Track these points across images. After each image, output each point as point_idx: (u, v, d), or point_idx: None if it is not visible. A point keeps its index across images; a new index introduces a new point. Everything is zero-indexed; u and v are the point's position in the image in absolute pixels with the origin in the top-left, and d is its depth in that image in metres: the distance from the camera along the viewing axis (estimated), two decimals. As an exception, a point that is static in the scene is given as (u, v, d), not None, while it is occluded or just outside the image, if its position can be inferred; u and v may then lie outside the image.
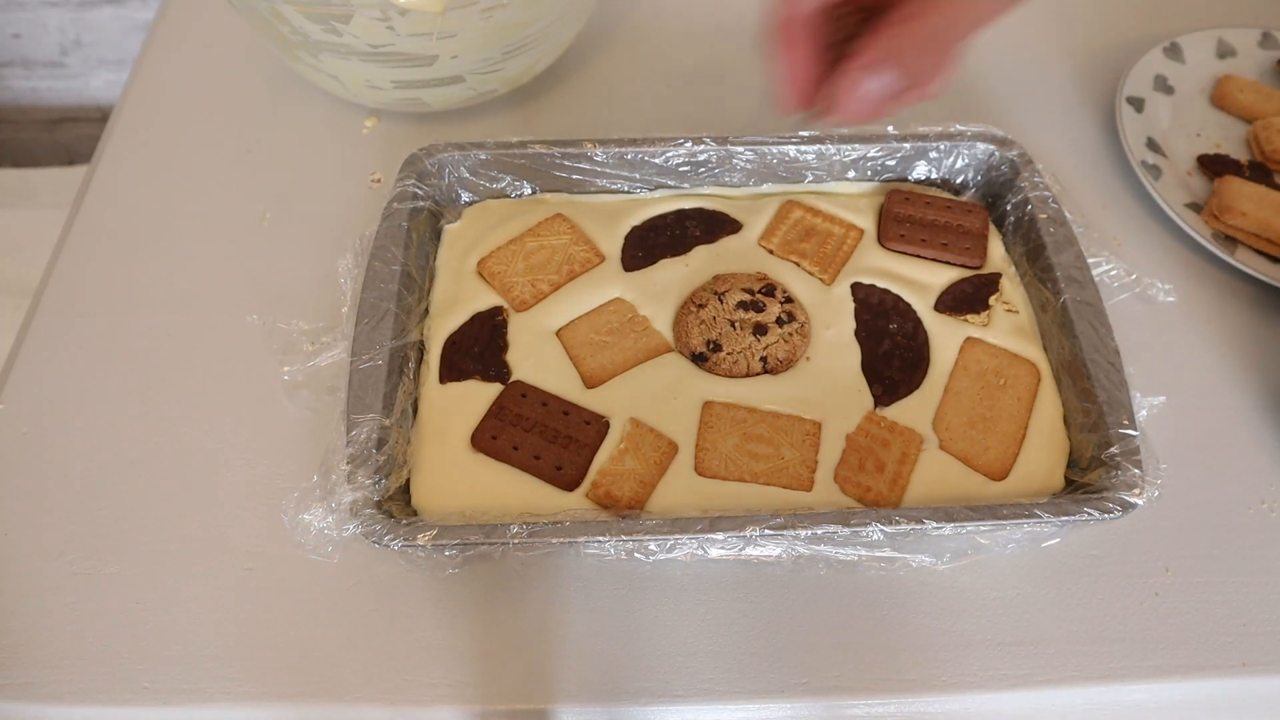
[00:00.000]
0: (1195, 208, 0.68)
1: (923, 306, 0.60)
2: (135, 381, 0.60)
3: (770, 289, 0.59)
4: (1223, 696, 0.51)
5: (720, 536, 0.47)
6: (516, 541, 0.47)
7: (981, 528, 0.48)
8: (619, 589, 0.53)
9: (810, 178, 0.66)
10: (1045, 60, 0.81)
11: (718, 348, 0.57)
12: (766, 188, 0.66)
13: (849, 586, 0.53)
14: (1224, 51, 0.80)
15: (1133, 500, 0.49)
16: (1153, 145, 0.72)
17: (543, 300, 0.60)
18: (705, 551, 0.49)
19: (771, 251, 0.62)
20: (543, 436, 0.53)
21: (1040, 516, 0.48)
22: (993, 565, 0.53)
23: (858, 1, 0.38)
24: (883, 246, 0.63)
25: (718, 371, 0.57)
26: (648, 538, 0.47)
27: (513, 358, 0.57)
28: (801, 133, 0.64)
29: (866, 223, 0.64)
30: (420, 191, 0.62)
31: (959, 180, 0.66)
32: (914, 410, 0.55)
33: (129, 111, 0.77)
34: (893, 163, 0.65)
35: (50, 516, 0.55)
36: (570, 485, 0.52)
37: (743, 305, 0.58)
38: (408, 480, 0.53)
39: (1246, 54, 0.80)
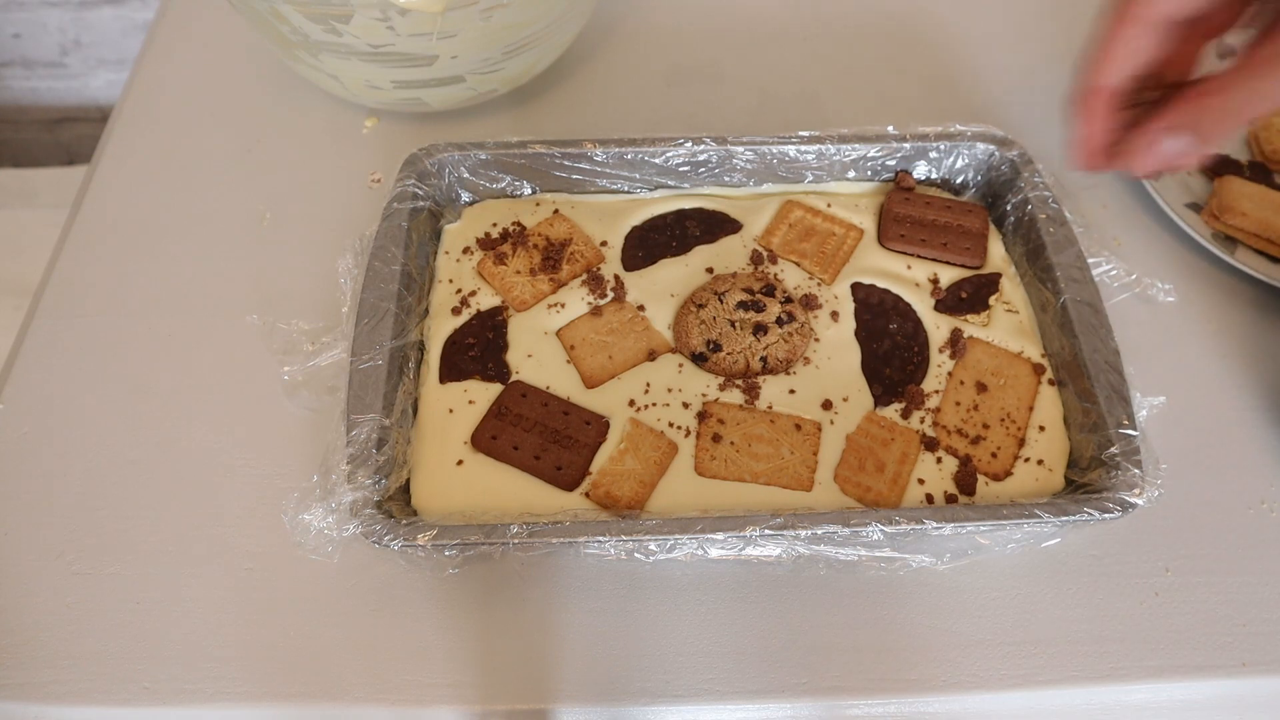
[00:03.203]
0: (1195, 208, 0.68)
1: (923, 306, 0.60)
2: (135, 381, 0.60)
3: (770, 289, 0.59)
4: (1223, 696, 0.51)
5: (720, 536, 0.47)
6: (516, 541, 0.47)
7: (981, 528, 0.48)
8: (619, 589, 0.53)
9: (810, 178, 0.66)
10: (1045, 60, 0.81)
11: (718, 348, 0.57)
12: (766, 188, 0.66)
13: (849, 586, 0.53)
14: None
15: (1133, 500, 0.49)
16: (1153, 145, 0.72)
17: (543, 300, 0.60)
18: (705, 551, 0.49)
19: (771, 251, 0.62)
20: (543, 436, 0.54)
21: (1040, 516, 0.48)
22: (993, 565, 0.53)
23: (1159, 79, 0.44)
24: (883, 246, 0.63)
25: (718, 371, 0.57)
26: (648, 538, 0.47)
27: (513, 358, 0.57)
28: (801, 133, 0.64)
29: (866, 223, 0.64)
30: (420, 191, 0.62)
31: (959, 180, 0.66)
32: (914, 410, 0.55)
33: (129, 111, 0.77)
34: (893, 163, 0.65)
35: (50, 516, 0.55)
36: (570, 485, 0.52)
37: (743, 305, 0.58)
38: (408, 480, 0.53)
39: (1246, 54, 0.80)
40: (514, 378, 0.57)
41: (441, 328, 0.59)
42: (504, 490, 0.52)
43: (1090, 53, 0.42)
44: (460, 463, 0.53)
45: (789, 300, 0.59)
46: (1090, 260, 0.59)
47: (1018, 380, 0.57)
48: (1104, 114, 0.43)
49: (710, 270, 0.61)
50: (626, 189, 0.66)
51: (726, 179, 0.66)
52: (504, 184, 0.65)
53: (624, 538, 0.47)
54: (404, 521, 0.49)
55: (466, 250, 0.62)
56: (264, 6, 0.61)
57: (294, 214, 0.70)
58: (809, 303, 0.59)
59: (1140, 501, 0.49)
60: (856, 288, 0.61)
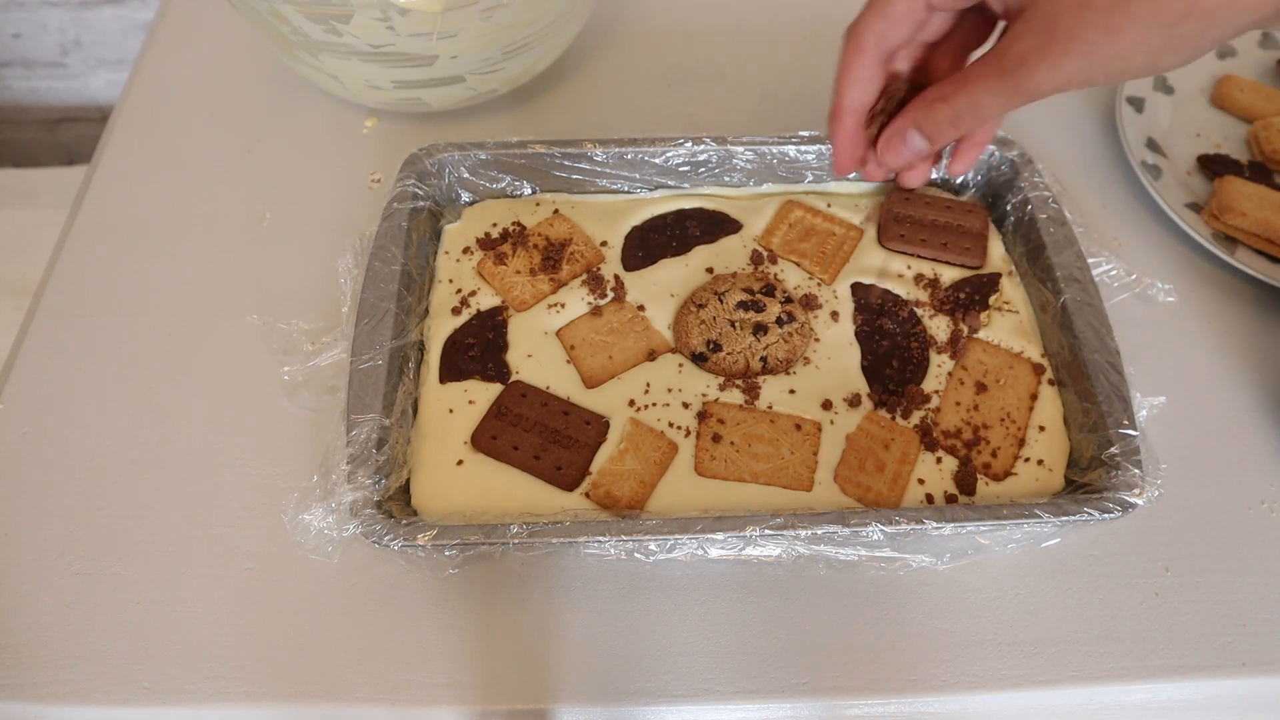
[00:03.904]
0: (1195, 208, 0.68)
1: (923, 307, 0.60)
2: (135, 381, 0.60)
3: (770, 289, 0.59)
4: (1223, 696, 0.51)
5: (720, 536, 0.47)
6: (516, 541, 0.47)
7: (981, 528, 0.48)
8: (619, 589, 0.53)
9: (810, 178, 0.66)
10: (1045, 60, 0.81)
11: (718, 348, 0.57)
12: (766, 188, 0.66)
13: (849, 586, 0.53)
14: (1224, 51, 0.80)
15: (1133, 500, 0.49)
16: (1153, 145, 0.72)
17: (543, 300, 0.60)
18: (705, 551, 0.49)
19: (771, 251, 0.62)
20: (543, 436, 0.53)
21: (1040, 516, 0.48)
22: (993, 565, 0.53)
23: (900, 89, 0.51)
24: (883, 246, 0.63)
25: (718, 371, 0.57)
26: (648, 538, 0.47)
27: (513, 358, 0.57)
28: (802, 133, 0.64)
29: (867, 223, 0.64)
30: (420, 191, 0.62)
31: (959, 180, 0.66)
32: (914, 410, 0.55)
33: (129, 111, 0.77)
34: (893, 163, 0.65)
35: (50, 516, 0.55)
36: (570, 485, 0.52)
37: (743, 305, 0.58)
38: (408, 480, 0.53)
39: (1246, 54, 0.80)
40: (514, 378, 0.57)
41: (441, 328, 0.59)
42: (504, 490, 0.52)
43: (835, 81, 0.49)
44: (460, 463, 0.53)
45: (789, 300, 0.59)
46: (1090, 260, 0.59)
47: (1018, 380, 0.57)
48: (849, 131, 0.51)
49: (710, 270, 0.62)
50: (626, 189, 0.66)
51: (726, 179, 0.66)
52: (504, 184, 0.65)
53: (624, 538, 0.47)
54: (404, 521, 0.49)
55: (466, 250, 0.62)
56: (264, 6, 0.61)
57: (294, 214, 0.69)
58: (809, 303, 0.59)
59: (1140, 501, 0.49)
60: (856, 288, 0.61)
